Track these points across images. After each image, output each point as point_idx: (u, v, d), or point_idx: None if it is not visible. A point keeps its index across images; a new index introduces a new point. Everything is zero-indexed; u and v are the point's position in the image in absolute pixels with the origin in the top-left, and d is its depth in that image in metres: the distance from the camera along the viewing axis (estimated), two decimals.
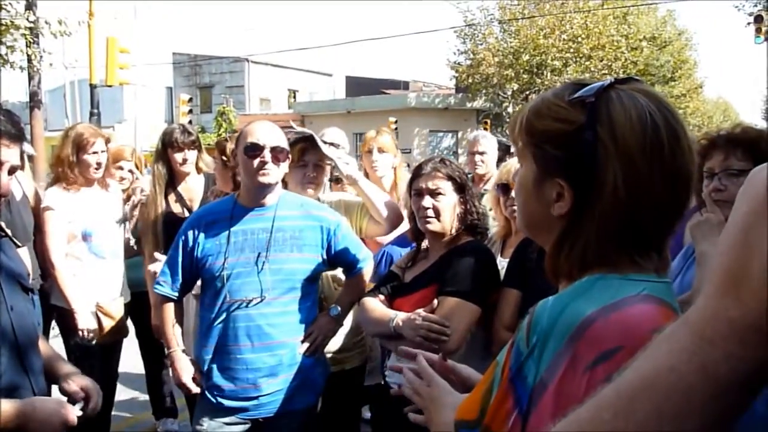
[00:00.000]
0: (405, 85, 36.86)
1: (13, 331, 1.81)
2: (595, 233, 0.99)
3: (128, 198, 4.10)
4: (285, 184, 2.95)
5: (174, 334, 2.69)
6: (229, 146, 3.41)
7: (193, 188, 3.91)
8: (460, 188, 2.54)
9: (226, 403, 2.56)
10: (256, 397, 2.55)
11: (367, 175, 3.55)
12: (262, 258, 2.54)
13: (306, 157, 3.01)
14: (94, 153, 3.65)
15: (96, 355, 3.65)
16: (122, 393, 4.81)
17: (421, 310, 2.36)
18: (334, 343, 2.96)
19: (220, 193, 3.57)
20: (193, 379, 2.63)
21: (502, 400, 1.02)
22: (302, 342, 2.61)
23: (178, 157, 3.79)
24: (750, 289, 0.68)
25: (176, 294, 2.67)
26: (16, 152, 1.84)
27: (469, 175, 3.68)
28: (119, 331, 3.85)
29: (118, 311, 3.81)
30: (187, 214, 3.65)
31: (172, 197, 3.82)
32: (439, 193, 2.50)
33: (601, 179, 0.97)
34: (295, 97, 38.43)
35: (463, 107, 28.66)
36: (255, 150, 2.48)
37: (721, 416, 0.70)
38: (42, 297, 3.64)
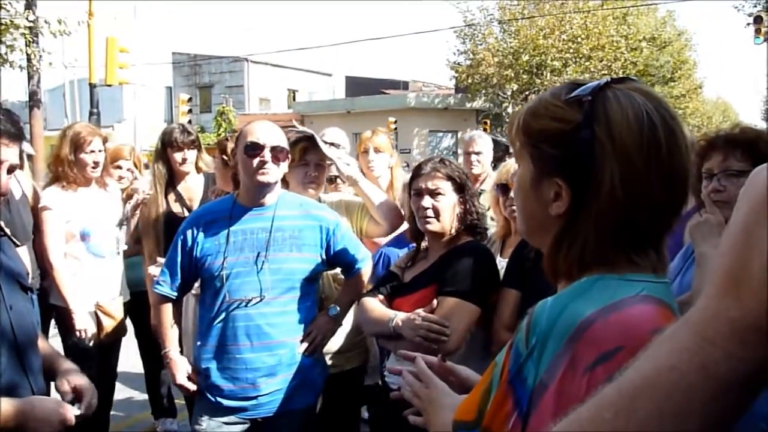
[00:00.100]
0: (404, 85, 36.88)
1: (12, 331, 1.81)
2: (593, 232, 0.99)
3: (128, 197, 4.10)
4: (286, 183, 2.95)
5: (170, 334, 2.69)
6: (230, 146, 3.41)
7: (192, 188, 3.91)
8: (460, 188, 2.54)
9: (225, 402, 2.56)
10: (255, 397, 2.55)
11: (364, 175, 3.55)
12: (262, 258, 2.54)
13: (307, 156, 3.01)
14: (91, 152, 3.64)
15: (94, 355, 3.65)
16: (121, 392, 4.81)
17: (420, 310, 2.36)
18: (335, 344, 2.97)
19: (221, 193, 3.57)
20: (190, 378, 2.63)
21: (502, 401, 1.02)
22: (301, 342, 2.61)
23: (178, 156, 3.79)
24: (750, 289, 0.68)
25: (175, 294, 2.67)
26: (15, 151, 1.84)
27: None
28: (118, 330, 3.85)
29: (118, 311, 3.81)
30: (186, 213, 3.65)
31: (171, 197, 3.82)
32: (439, 193, 2.50)
33: (598, 178, 0.97)
34: (294, 97, 38.42)
35: (463, 107, 28.67)
36: (255, 149, 2.48)
37: (722, 416, 0.70)
38: (41, 296, 3.64)
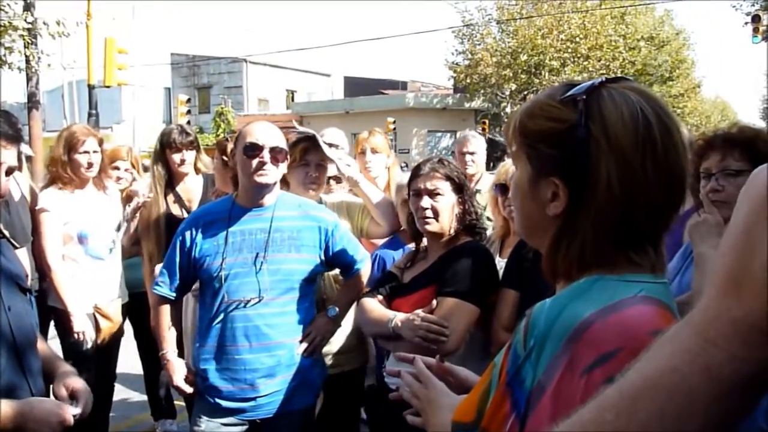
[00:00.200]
0: (403, 86, 36.89)
1: (11, 332, 1.81)
2: (591, 231, 0.99)
3: (127, 198, 4.09)
4: (287, 184, 2.95)
5: (168, 336, 2.69)
6: (230, 146, 3.41)
7: (191, 189, 3.91)
8: (459, 188, 2.54)
9: (224, 403, 2.56)
10: (254, 398, 2.55)
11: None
12: (260, 258, 2.54)
13: (308, 157, 3.01)
14: (85, 152, 3.62)
15: (92, 357, 3.65)
16: (121, 394, 4.81)
17: (420, 311, 2.36)
18: (335, 344, 2.97)
19: (221, 194, 3.56)
20: (187, 380, 2.63)
21: (500, 403, 1.02)
22: (300, 342, 2.61)
23: (176, 157, 3.79)
24: (752, 289, 0.67)
25: (174, 294, 2.67)
26: (14, 153, 1.85)
27: None
28: (116, 332, 3.85)
29: (116, 313, 3.80)
30: (185, 214, 3.64)
31: (170, 198, 3.82)
32: (438, 194, 2.50)
33: (595, 176, 0.97)
34: (293, 97, 38.40)
35: (462, 107, 28.69)
36: (254, 150, 2.48)
37: (724, 418, 0.70)
38: (40, 298, 3.64)
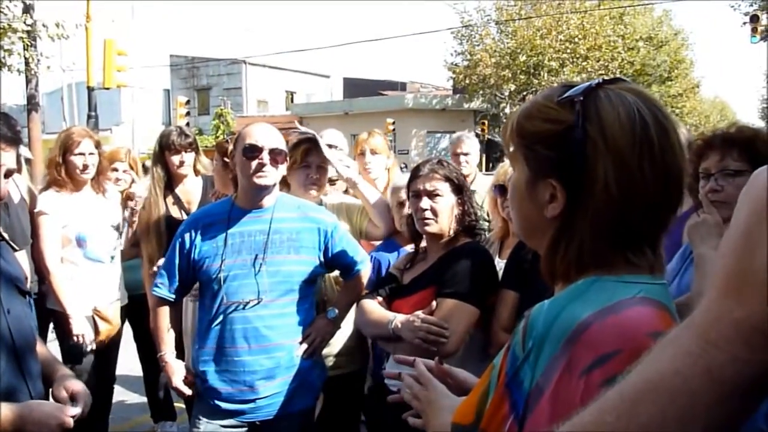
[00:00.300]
0: (402, 87, 36.88)
1: (11, 335, 1.81)
2: (589, 232, 0.99)
3: (128, 198, 4.09)
4: (288, 185, 2.95)
5: (167, 337, 2.69)
6: (230, 148, 3.41)
7: (191, 191, 3.90)
8: (458, 189, 2.54)
9: (223, 405, 2.56)
10: (253, 400, 2.55)
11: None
12: (259, 260, 2.53)
13: (309, 158, 3.01)
14: (80, 154, 3.61)
15: (91, 360, 3.64)
16: (120, 396, 4.81)
17: (419, 312, 2.36)
18: (336, 346, 2.96)
19: (221, 195, 3.56)
20: (187, 381, 2.62)
21: (499, 404, 1.02)
22: (300, 344, 2.61)
23: (175, 159, 3.78)
24: (753, 290, 0.67)
25: (173, 296, 2.67)
26: (13, 155, 1.85)
27: None
28: (115, 335, 3.84)
29: (115, 315, 3.80)
30: (184, 216, 3.64)
31: (170, 200, 3.81)
32: (437, 195, 2.50)
33: (592, 177, 0.97)
34: (292, 98, 38.39)
35: (461, 108, 28.67)
36: (253, 151, 2.48)
37: (726, 420, 0.69)
38: (39, 300, 3.64)
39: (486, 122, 26.24)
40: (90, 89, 15.77)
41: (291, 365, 2.58)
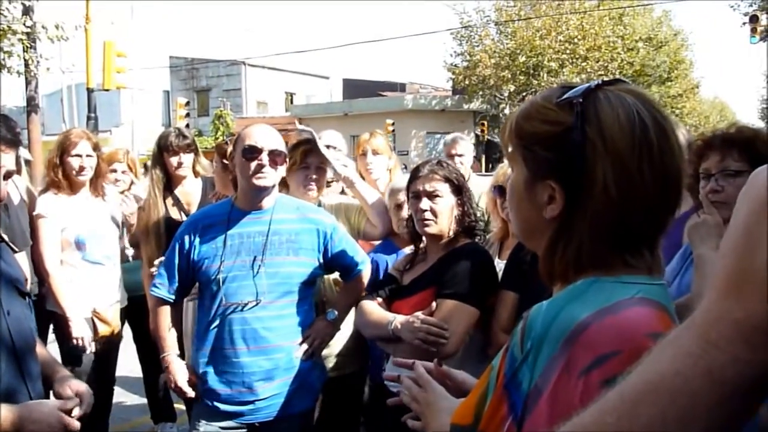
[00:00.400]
0: (402, 87, 36.84)
1: (10, 336, 1.81)
2: (588, 234, 0.99)
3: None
4: (287, 186, 2.95)
5: (168, 338, 2.68)
6: (230, 149, 3.41)
7: (190, 192, 3.90)
8: (458, 190, 2.54)
9: (222, 407, 2.55)
10: (253, 401, 2.54)
11: (362, 177, 3.55)
12: (258, 261, 2.53)
13: (308, 159, 3.01)
14: (77, 156, 3.59)
15: (91, 362, 3.64)
16: (120, 397, 4.80)
17: (419, 313, 2.35)
18: (335, 347, 2.96)
19: (222, 197, 3.56)
20: (190, 382, 2.62)
21: (497, 406, 1.02)
22: (299, 345, 2.60)
23: (174, 160, 3.78)
24: (753, 290, 0.67)
25: (173, 297, 2.67)
26: (12, 157, 1.85)
27: None
28: (115, 337, 3.84)
29: (114, 317, 3.80)
30: (184, 218, 3.64)
31: (169, 201, 3.81)
32: (437, 195, 2.50)
33: (591, 179, 0.97)
34: (292, 99, 38.37)
35: (460, 109, 28.67)
36: (253, 153, 2.48)
37: (727, 421, 0.69)
38: (39, 302, 3.63)
39: (485, 123, 26.24)
40: (89, 91, 15.77)
41: (290, 367, 2.57)
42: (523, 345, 0.98)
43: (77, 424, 1.79)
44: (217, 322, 2.54)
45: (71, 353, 3.59)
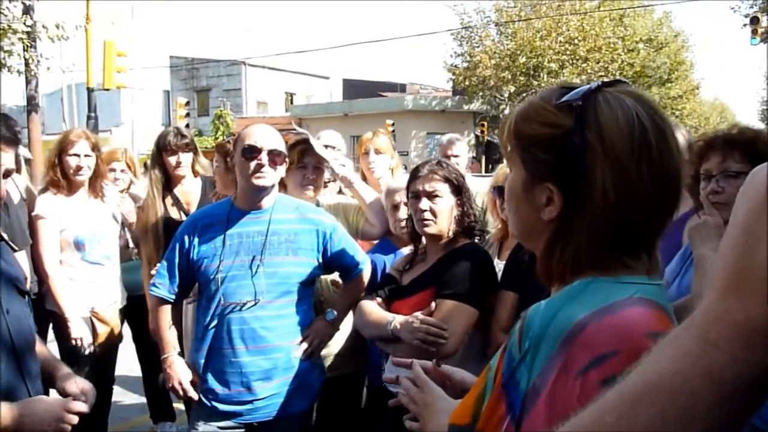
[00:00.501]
0: (402, 88, 36.84)
1: (10, 335, 1.81)
2: (586, 236, 0.99)
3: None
4: (284, 186, 2.95)
5: (169, 337, 2.67)
6: (231, 149, 3.40)
7: (190, 192, 3.90)
8: (457, 190, 2.53)
9: (221, 407, 2.55)
10: (251, 401, 2.54)
11: (364, 177, 3.55)
12: (257, 261, 2.53)
13: (305, 159, 3.01)
14: (75, 155, 3.58)
15: (90, 361, 3.63)
16: (120, 397, 4.81)
17: (419, 313, 2.35)
18: (334, 347, 2.96)
19: (222, 197, 3.56)
20: (192, 382, 2.61)
21: (495, 405, 1.02)
22: (299, 345, 2.60)
23: (172, 160, 3.77)
24: (753, 290, 0.67)
25: (173, 297, 2.66)
26: (12, 156, 1.85)
27: None
28: (114, 337, 3.84)
29: (113, 317, 3.79)
30: (183, 217, 3.64)
31: (168, 201, 3.81)
32: (436, 196, 2.49)
33: (590, 182, 0.97)
34: (292, 100, 38.38)
35: (460, 110, 28.67)
36: (252, 152, 2.48)
37: (727, 421, 0.69)
38: (39, 301, 3.63)
39: (485, 124, 26.24)
40: (90, 90, 15.78)
41: (289, 366, 2.57)
42: (521, 345, 0.98)
43: (75, 419, 1.79)
44: (215, 322, 2.54)
45: (70, 353, 3.58)
